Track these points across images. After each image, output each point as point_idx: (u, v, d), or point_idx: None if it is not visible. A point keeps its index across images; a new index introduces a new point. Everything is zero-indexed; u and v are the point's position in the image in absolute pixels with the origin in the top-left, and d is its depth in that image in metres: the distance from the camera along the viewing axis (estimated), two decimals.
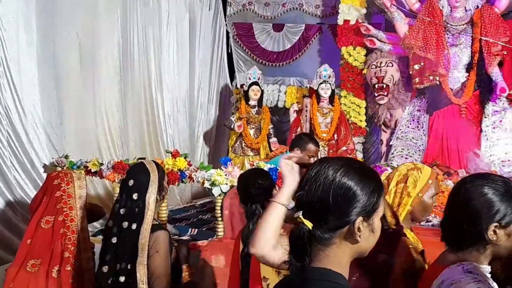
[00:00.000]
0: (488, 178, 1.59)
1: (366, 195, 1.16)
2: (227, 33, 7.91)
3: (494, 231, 1.51)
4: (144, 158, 4.20)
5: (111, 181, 4.21)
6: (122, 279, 2.34)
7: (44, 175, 4.00)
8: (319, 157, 5.93)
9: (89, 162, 4.19)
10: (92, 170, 4.16)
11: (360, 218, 1.16)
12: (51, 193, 2.65)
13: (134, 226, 2.36)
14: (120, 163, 4.14)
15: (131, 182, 2.45)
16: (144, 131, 6.14)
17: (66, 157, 4.28)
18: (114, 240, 2.38)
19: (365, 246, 1.20)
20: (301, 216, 1.15)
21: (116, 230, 2.39)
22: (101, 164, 4.17)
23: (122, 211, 2.40)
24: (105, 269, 2.38)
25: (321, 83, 6.19)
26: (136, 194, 2.41)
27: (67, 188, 2.65)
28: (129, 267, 2.34)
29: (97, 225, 4.29)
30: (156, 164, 2.59)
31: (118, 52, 5.64)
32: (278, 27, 7.63)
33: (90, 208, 2.81)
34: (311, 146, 4.56)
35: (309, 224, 1.14)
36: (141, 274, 2.35)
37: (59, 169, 4.14)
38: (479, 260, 1.53)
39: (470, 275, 1.45)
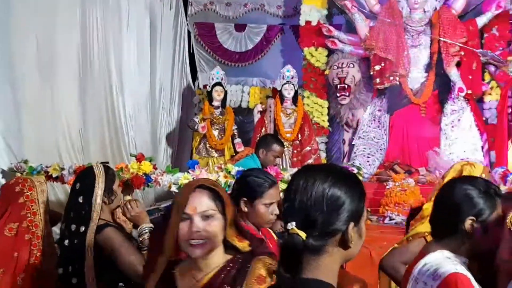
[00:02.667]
0: (473, 179, 1.78)
1: (355, 201, 1.18)
2: (189, 33, 7.82)
3: (472, 225, 1.66)
4: (107, 163, 4.10)
5: None
6: (74, 280, 2.41)
7: (3, 181, 3.86)
8: (284, 157, 6.07)
9: (50, 167, 4.06)
10: (53, 175, 4.04)
11: (352, 224, 1.18)
12: (14, 201, 2.60)
13: (82, 229, 2.43)
14: (82, 167, 4.02)
15: (77, 186, 2.55)
16: (105, 133, 5.99)
17: (26, 162, 4.14)
18: (66, 242, 2.46)
19: (354, 251, 1.22)
20: (294, 228, 1.14)
21: (67, 233, 2.46)
22: (62, 169, 4.06)
23: (71, 214, 2.49)
24: (60, 270, 2.45)
25: (284, 84, 6.21)
26: (81, 197, 2.49)
27: (30, 194, 2.62)
28: (79, 269, 2.40)
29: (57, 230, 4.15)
30: (106, 167, 2.66)
31: (77, 53, 5.49)
32: (240, 28, 7.61)
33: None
34: (276, 147, 4.59)
35: (303, 235, 1.13)
36: (89, 276, 2.40)
37: (18, 174, 4.00)
38: (458, 251, 1.68)
39: (449, 260, 1.62)
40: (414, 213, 2.59)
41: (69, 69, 5.39)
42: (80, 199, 2.49)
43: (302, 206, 1.16)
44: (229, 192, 2.20)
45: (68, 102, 5.34)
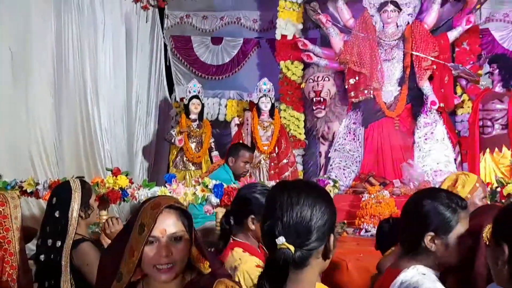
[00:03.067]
0: (436, 192, 1.75)
1: (333, 213, 1.28)
2: (165, 46, 7.82)
3: (432, 240, 1.64)
4: (83, 177, 4.06)
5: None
6: None
7: None
8: (261, 169, 6.09)
9: (24, 181, 3.98)
10: (28, 190, 3.96)
11: (332, 236, 1.27)
12: None
13: (58, 244, 2.43)
14: (57, 182, 3.96)
15: (54, 200, 2.54)
16: (80, 146, 5.93)
17: None
18: (42, 257, 2.44)
19: (329, 261, 1.29)
20: (285, 242, 1.18)
21: (43, 248, 2.45)
22: (37, 184, 3.98)
23: (47, 228, 2.48)
24: (35, 286, 2.47)
25: (261, 97, 6.26)
26: (58, 211, 2.48)
27: (2, 209, 2.56)
28: (56, 284, 2.39)
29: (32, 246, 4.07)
30: (83, 182, 2.66)
31: (52, 65, 5.45)
32: (216, 41, 7.64)
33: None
34: (244, 153, 4.60)
35: (292, 248, 1.19)
36: None
37: None
38: (430, 265, 1.66)
39: (425, 277, 1.61)
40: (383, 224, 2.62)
41: (44, 82, 5.34)
42: (57, 214, 2.48)
43: (290, 223, 1.21)
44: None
45: (43, 115, 5.27)
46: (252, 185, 2.37)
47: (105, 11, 6.40)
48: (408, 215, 1.77)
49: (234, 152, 4.62)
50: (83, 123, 5.96)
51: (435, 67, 5.96)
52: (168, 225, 1.51)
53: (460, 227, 1.66)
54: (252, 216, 2.18)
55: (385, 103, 6.19)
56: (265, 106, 6.25)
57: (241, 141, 6.16)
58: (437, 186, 5.40)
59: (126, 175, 4.09)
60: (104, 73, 6.39)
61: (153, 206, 1.53)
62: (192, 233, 1.56)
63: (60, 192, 2.59)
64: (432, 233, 1.65)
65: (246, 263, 2.06)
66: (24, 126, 5.01)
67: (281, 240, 1.18)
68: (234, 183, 4.47)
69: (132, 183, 4.06)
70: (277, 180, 6.05)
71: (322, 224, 1.23)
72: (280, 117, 6.48)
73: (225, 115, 7.25)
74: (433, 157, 5.97)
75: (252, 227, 2.18)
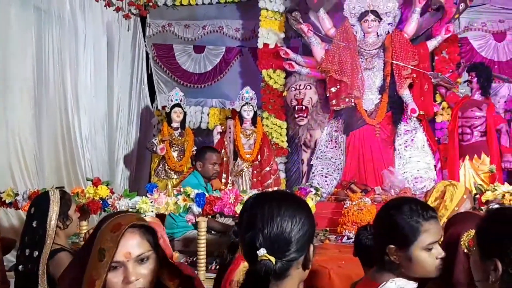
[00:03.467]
0: (400, 203, 1.72)
1: (312, 224, 1.29)
2: (147, 54, 7.80)
3: (395, 253, 1.64)
4: (63, 187, 4.01)
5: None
6: None
7: None
8: (244, 178, 6.09)
9: (3, 192, 3.92)
10: (7, 201, 3.89)
11: (311, 245, 1.28)
12: None
13: (35, 254, 2.43)
14: (37, 193, 3.90)
15: (32, 210, 2.57)
16: (61, 156, 5.85)
17: None
18: (20, 268, 2.45)
19: (308, 271, 1.30)
20: (266, 254, 1.19)
21: (22, 258, 2.47)
22: (16, 194, 3.92)
23: (26, 239, 2.50)
24: None
25: (243, 105, 6.27)
26: (35, 221, 2.51)
27: None
28: None
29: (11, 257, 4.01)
30: (63, 192, 2.71)
31: (32, 75, 5.35)
32: (199, 49, 7.65)
33: None
34: (210, 155, 4.64)
35: (273, 260, 1.19)
36: None
37: None
38: (406, 277, 1.64)
39: None
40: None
41: (24, 90, 5.26)
42: (34, 224, 2.50)
43: (271, 235, 1.22)
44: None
45: (22, 124, 5.19)
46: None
47: (86, 20, 6.35)
48: (375, 226, 1.80)
49: (200, 156, 4.66)
50: (64, 133, 5.89)
51: (415, 76, 6.04)
52: (132, 246, 1.37)
53: (425, 239, 1.63)
54: None
55: (366, 111, 6.25)
56: (248, 114, 6.26)
57: (227, 152, 6.17)
58: (417, 193, 5.52)
59: (107, 185, 4.05)
60: (85, 83, 6.34)
61: (113, 228, 1.36)
62: (158, 250, 1.44)
63: (39, 202, 2.61)
64: (392, 246, 1.64)
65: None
66: (3, 137, 4.92)
67: (262, 252, 1.19)
68: (204, 187, 4.49)
69: (113, 193, 4.01)
70: (260, 188, 6.08)
71: (302, 235, 1.24)
72: (263, 125, 6.50)
73: (208, 123, 7.25)
74: (413, 164, 6.04)
75: None
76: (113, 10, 6.87)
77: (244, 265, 2.14)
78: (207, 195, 3.71)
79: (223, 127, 6.53)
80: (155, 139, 6.45)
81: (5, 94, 4.97)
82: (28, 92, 5.31)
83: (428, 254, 1.63)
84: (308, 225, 1.26)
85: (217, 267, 4.16)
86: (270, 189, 3.49)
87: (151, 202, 3.79)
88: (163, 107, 7.17)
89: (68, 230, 2.66)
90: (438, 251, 1.65)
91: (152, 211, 3.78)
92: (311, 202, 3.85)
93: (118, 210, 3.71)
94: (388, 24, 6.30)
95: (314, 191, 4.14)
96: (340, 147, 6.42)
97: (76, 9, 6.18)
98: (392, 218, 1.67)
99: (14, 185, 4.80)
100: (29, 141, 5.26)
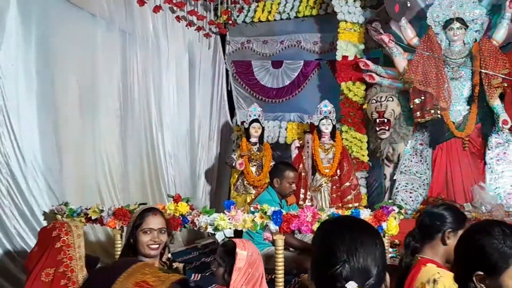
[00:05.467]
0: (490, 225, 1.62)
1: (385, 251, 1.32)
2: (227, 71, 7.96)
3: (483, 281, 1.53)
4: (145, 204, 4.14)
5: (111, 228, 4.12)
6: None
7: (45, 223, 3.93)
8: (323, 193, 5.96)
9: (89, 209, 4.11)
10: (93, 218, 4.08)
11: (387, 274, 1.30)
12: (51, 245, 2.62)
13: None
14: (121, 209, 4.05)
15: None
16: (145, 172, 6.09)
17: (66, 204, 4.21)
18: None
19: None
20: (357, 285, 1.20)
21: None
22: (101, 211, 4.09)
23: None
24: None
25: (322, 119, 6.15)
26: None
27: (66, 239, 2.63)
28: None
29: None
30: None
31: (118, 95, 5.64)
32: (277, 64, 7.67)
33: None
34: (289, 173, 4.56)
35: None
36: None
37: (59, 217, 4.08)
38: None
39: None
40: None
41: (110, 110, 5.53)
42: None
43: (357, 267, 1.23)
44: None
45: (109, 142, 5.46)
46: (442, 203, 2.50)
47: (169, 41, 6.60)
48: (458, 250, 1.69)
49: (278, 173, 4.60)
50: (148, 150, 6.12)
51: (506, 85, 5.62)
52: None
53: None
54: (449, 230, 2.28)
55: (454, 123, 5.93)
56: (326, 128, 6.14)
57: (305, 167, 6.09)
58: (511, 210, 5.12)
59: (187, 202, 4.13)
60: (168, 101, 6.57)
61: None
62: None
63: None
64: (481, 273, 1.53)
65: (447, 278, 2.08)
66: (91, 155, 5.19)
67: (352, 285, 1.19)
68: (278, 203, 4.43)
69: (192, 209, 4.08)
70: (339, 204, 5.93)
71: (381, 264, 1.25)
72: (342, 139, 6.35)
73: (286, 137, 7.23)
74: (506, 179, 5.65)
75: (448, 241, 2.26)
76: (194, 30, 7.11)
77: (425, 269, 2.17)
78: (284, 212, 3.66)
79: (301, 142, 6.46)
80: (234, 154, 6.51)
81: (93, 114, 5.24)
82: (115, 111, 5.57)
83: None
84: (384, 254, 1.28)
85: (297, 285, 4.10)
86: (339, 215, 3.38)
87: (229, 219, 3.80)
88: (242, 123, 7.25)
89: None
90: None
91: (229, 228, 3.79)
92: (394, 222, 3.67)
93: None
94: (475, 31, 5.93)
95: (397, 210, 3.95)
96: (425, 161, 6.13)
97: (159, 30, 6.44)
98: (479, 242, 1.56)
99: (101, 201, 5.06)
100: (115, 158, 5.51)
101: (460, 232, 2.19)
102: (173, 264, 2.65)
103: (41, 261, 2.60)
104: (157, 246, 2.53)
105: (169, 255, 2.66)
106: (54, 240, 2.62)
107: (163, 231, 2.57)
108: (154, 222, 2.55)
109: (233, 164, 6.43)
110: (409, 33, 6.21)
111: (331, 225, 1.35)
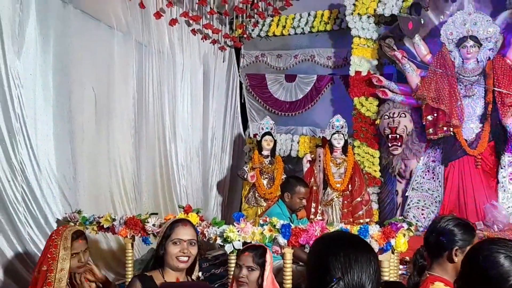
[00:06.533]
0: (500, 242, 1.61)
1: (379, 267, 1.36)
2: (241, 83, 8.04)
3: None
4: (156, 214, 4.19)
5: (123, 237, 4.17)
6: None
7: None
8: (334, 208, 5.96)
9: (102, 217, 4.17)
10: (105, 226, 4.14)
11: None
12: (47, 244, 2.91)
13: None
14: (132, 218, 4.11)
15: None
16: (158, 182, 6.14)
17: (79, 212, 4.28)
18: None
19: None
20: None
21: None
22: (113, 219, 4.15)
23: None
24: None
25: (334, 133, 6.17)
26: None
27: (55, 239, 2.87)
28: None
29: None
30: None
31: (133, 105, 5.72)
32: (290, 78, 7.73)
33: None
34: (300, 188, 4.57)
35: None
36: None
37: (72, 224, 4.15)
38: None
39: None
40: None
41: (125, 121, 5.61)
42: None
43: (351, 284, 1.25)
44: None
45: (123, 152, 5.53)
46: (445, 217, 2.40)
47: (184, 53, 6.70)
48: (463, 268, 1.68)
49: (290, 187, 4.62)
50: (161, 161, 6.19)
51: None
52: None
53: None
54: (456, 248, 2.24)
55: (466, 140, 5.92)
56: (338, 142, 6.15)
57: (316, 181, 6.10)
58: None
59: (197, 213, 4.17)
60: (182, 112, 6.65)
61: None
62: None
63: None
64: None
65: None
66: (105, 164, 5.26)
67: None
68: (288, 217, 4.44)
69: (202, 220, 4.12)
70: (350, 219, 5.92)
71: (374, 280, 1.27)
72: (354, 154, 6.36)
73: (297, 151, 7.25)
74: None
75: (456, 259, 2.23)
76: (210, 43, 7.21)
77: (438, 286, 2.18)
78: (292, 226, 3.68)
79: (312, 156, 6.48)
80: (246, 167, 6.55)
81: (108, 124, 5.32)
82: (129, 122, 5.65)
83: None
84: (378, 269, 1.30)
85: None
86: (333, 230, 3.42)
87: (238, 231, 3.83)
88: (255, 135, 7.29)
89: None
90: None
91: (238, 240, 3.82)
92: (402, 239, 3.67)
93: None
94: (489, 49, 5.93)
95: (406, 226, 3.94)
96: (438, 178, 6.11)
97: (175, 42, 6.54)
98: (482, 262, 1.57)
99: (114, 210, 5.12)
100: (129, 168, 5.58)
101: (468, 248, 2.19)
102: None
103: (40, 258, 2.85)
104: (186, 258, 2.45)
105: (199, 274, 2.67)
106: (48, 240, 2.90)
107: (193, 243, 2.50)
108: (184, 233, 2.48)
109: (245, 176, 6.46)
110: (422, 50, 6.23)
111: (325, 242, 1.37)
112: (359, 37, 6.65)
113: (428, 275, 2.27)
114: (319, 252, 1.32)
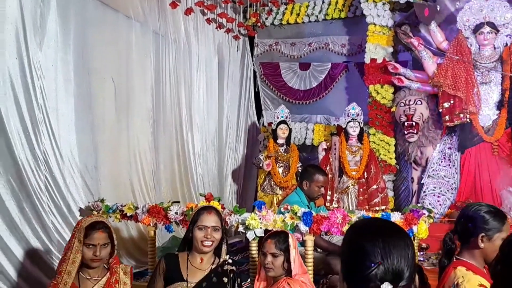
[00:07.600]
0: None
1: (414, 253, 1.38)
2: (255, 72, 8.05)
3: None
4: (178, 202, 4.25)
5: (146, 225, 4.24)
6: None
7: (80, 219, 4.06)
8: (349, 195, 5.99)
9: (125, 206, 4.24)
10: (128, 214, 4.20)
11: (416, 274, 1.39)
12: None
13: None
14: (155, 206, 4.17)
15: None
16: (175, 171, 6.21)
17: (102, 201, 4.34)
18: None
19: None
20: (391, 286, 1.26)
21: None
22: (136, 208, 4.21)
23: None
24: None
25: (349, 121, 6.18)
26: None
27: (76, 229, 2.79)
28: None
29: None
30: None
31: (151, 95, 5.77)
32: (304, 66, 7.73)
33: None
34: (319, 177, 4.59)
35: None
36: None
37: (95, 213, 4.21)
38: None
39: None
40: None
41: (144, 111, 5.66)
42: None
43: (391, 268, 1.27)
44: None
45: (142, 142, 5.59)
46: (477, 204, 2.43)
47: (199, 43, 6.72)
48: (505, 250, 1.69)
49: (308, 176, 4.64)
50: (179, 150, 6.25)
51: None
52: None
53: None
54: (483, 234, 2.26)
55: (483, 127, 5.91)
56: (354, 130, 6.16)
57: (332, 169, 6.13)
58: None
59: (219, 201, 4.21)
60: (198, 102, 6.69)
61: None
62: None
63: None
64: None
65: (469, 282, 2.12)
66: (125, 153, 5.33)
67: (387, 286, 1.24)
68: (307, 205, 4.48)
69: (224, 208, 4.16)
70: (366, 207, 5.95)
71: (412, 264, 1.30)
72: (370, 142, 6.37)
73: (312, 139, 7.28)
74: None
75: (482, 245, 2.26)
76: (224, 32, 7.21)
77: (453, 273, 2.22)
78: (314, 214, 3.72)
79: (328, 144, 6.50)
80: (261, 155, 6.58)
81: (127, 114, 5.38)
82: (147, 112, 5.71)
83: None
84: (414, 255, 1.32)
85: (325, 285, 4.16)
86: (369, 218, 3.44)
87: (260, 218, 3.87)
88: (269, 124, 7.32)
89: None
90: None
91: (260, 228, 3.87)
92: (424, 226, 3.70)
93: None
94: (506, 35, 5.90)
95: (427, 213, 3.97)
96: (454, 165, 6.12)
97: (190, 32, 6.56)
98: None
99: (134, 199, 5.19)
100: (148, 157, 5.64)
101: (496, 236, 2.22)
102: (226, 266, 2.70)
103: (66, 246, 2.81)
104: (210, 243, 2.69)
105: (227, 257, 2.75)
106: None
107: (216, 229, 2.73)
108: (208, 219, 2.73)
109: (260, 165, 6.50)
110: (438, 37, 6.21)
111: (362, 228, 1.39)
112: (375, 24, 6.62)
113: (455, 260, 2.31)
114: (356, 238, 1.34)
